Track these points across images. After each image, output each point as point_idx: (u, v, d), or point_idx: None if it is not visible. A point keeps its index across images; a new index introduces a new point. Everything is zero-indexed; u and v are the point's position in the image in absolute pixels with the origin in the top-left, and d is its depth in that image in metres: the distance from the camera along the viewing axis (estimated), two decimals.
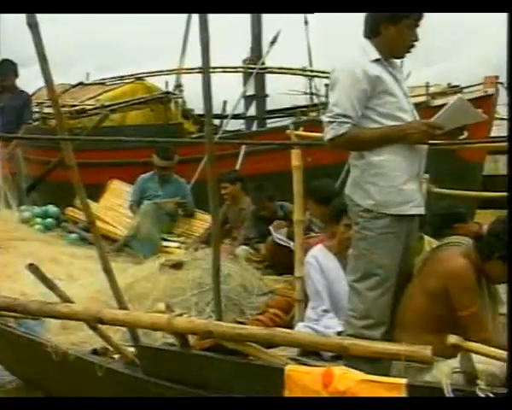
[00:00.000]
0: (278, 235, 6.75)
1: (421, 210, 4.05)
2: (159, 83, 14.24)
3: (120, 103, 12.67)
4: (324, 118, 3.97)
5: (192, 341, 4.24)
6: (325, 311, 4.95)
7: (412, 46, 4.03)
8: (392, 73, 4.02)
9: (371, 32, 4.01)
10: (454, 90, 11.42)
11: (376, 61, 3.94)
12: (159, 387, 4.22)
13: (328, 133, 3.90)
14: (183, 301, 5.55)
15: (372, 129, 3.92)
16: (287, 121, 12.18)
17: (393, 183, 3.89)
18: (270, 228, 6.93)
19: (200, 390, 4.03)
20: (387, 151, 3.90)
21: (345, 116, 3.84)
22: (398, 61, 4.15)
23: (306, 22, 16.80)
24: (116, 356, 4.61)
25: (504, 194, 6.77)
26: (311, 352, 4.46)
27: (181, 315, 4.18)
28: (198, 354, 4.15)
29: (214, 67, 13.86)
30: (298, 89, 16.12)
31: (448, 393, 3.23)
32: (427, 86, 11.58)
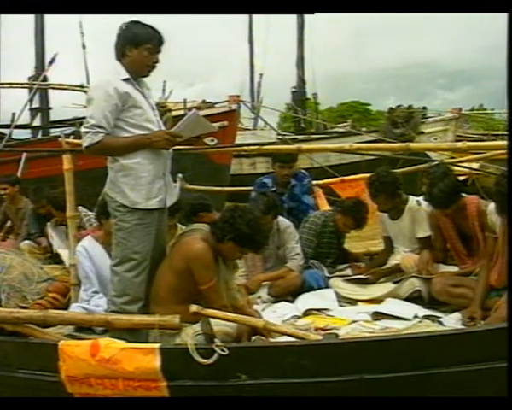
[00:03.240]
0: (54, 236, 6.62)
1: (167, 203, 4.10)
2: None
3: None
4: (82, 128, 3.92)
5: None
6: (95, 292, 4.92)
7: (154, 67, 4.04)
8: (140, 89, 4.03)
9: (119, 55, 4.00)
10: (207, 105, 11.86)
11: (126, 79, 3.94)
12: None
13: (85, 141, 3.87)
14: None
15: (123, 137, 3.92)
16: (68, 131, 11.94)
17: (142, 182, 3.93)
18: (48, 224, 6.74)
19: None
20: (137, 156, 3.92)
21: (99, 127, 3.82)
22: (145, 79, 4.14)
23: (84, 46, 16.59)
24: None
25: (247, 188, 7.00)
26: (85, 328, 4.37)
27: None
28: None
29: (2, 83, 13.34)
30: (80, 103, 15.91)
31: (192, 351, 3.32)
32: (185, 102, 11.99)
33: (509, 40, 2.52)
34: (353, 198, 6.05)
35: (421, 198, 5.45)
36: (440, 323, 4.38)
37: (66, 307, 4.90)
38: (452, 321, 4.39)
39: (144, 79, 4.13)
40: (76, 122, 13.95)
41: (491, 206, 4.59)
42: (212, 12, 4.99)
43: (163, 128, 4.11)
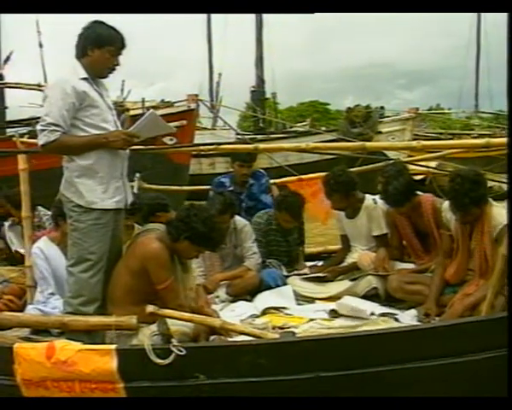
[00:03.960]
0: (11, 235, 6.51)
1: (125, 204, 4.08)
2: None
3: None
4: (38, 126, 3.87)
5: None
6: (51, 294, 4.84)
7: (114, 69, 4.02)
8: (98, 89, 4.00)
9: (80, 53, 3.96)
10: (166, 104, 11.81)
11: (84, 79, 3.91)
12: None
13: (41, 140, 3.83)
14: None
15: (80, 136, 3.89)
16: (24, 130, 11.73)
17: (99, 182, 3.91)
18: (5, 224, 6.60)
19: None
20: (94, 155, 3.90)
21: (55, 125, 3.78)
22: (103, 80, 4.10)
23: (41, 45, 16.36)
24: None
25: (205, 187, 6.99)
26: (42, 330, 4.30)
27: None
28: None
29: None
30: (37, 102, 15.65)
31: (149, 352, 3.30)
32: (143, 101, 11.91)
33: (508, 40, 2.54)
34: (284, 192, 6.05)
35: (377, 197, 5.50)
36: (396, 320, 4.43)
37: (21, 310, 4.81)
38: (408, 318, 4.45)
39: (103, 80, 4.10)
40: (32, 122, 13.79)
41: (446, 204, 4.66)
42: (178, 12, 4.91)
43: (120, 129, 4.10)
